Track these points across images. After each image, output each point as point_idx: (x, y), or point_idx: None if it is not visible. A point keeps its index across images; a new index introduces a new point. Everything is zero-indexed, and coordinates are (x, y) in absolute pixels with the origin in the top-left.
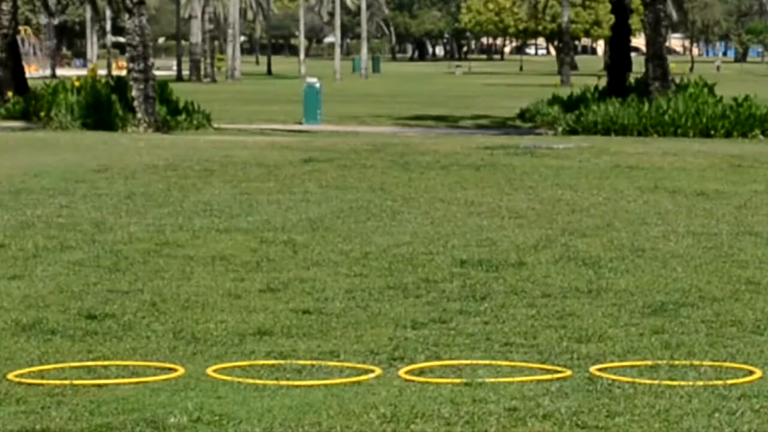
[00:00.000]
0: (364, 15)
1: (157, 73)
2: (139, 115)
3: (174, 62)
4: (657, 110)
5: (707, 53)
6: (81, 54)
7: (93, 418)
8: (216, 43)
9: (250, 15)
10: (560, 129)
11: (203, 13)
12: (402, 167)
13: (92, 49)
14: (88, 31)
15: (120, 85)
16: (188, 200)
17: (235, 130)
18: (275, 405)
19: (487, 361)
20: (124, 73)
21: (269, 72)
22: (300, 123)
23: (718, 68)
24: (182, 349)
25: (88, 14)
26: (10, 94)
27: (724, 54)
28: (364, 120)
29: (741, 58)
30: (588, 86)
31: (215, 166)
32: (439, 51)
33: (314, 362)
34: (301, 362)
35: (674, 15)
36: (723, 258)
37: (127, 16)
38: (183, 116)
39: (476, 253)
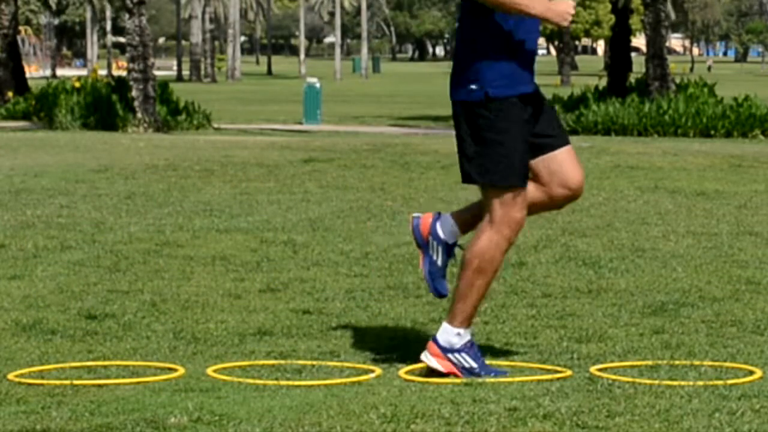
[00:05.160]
0: (364, 15)
1: (157, 73)
2: (139, 115)
3: (174, 62)
4: (657, 110)
5: (707, 53)
6: (81, 54)
7: (93, 418)
8: (216, 43)
9: (250, 15)
10: None
11: (203, 13)
12: (402, 167)
13: (92, 49)
14: (88, 31)
15: (120, 85)
16: (188, 200)
17: (235, 130)
18: (275, 405)
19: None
20: (124, 73)
21: (269, 72)
22: (300, 123)
23: (709, 68)
24: (182, 349)
25: (88, 14)
26: (10, 94)
27: (725, 54)
28: (364, 120)
29: (741, 58)
30: (588, 86)
31: (215, 166)
32: (440, 51)
33: (314, 362)
34: (301, 362)
35: (672, 14)
36: (723, 258)
37: (127, 16)
38: (183, 116)
39: None
